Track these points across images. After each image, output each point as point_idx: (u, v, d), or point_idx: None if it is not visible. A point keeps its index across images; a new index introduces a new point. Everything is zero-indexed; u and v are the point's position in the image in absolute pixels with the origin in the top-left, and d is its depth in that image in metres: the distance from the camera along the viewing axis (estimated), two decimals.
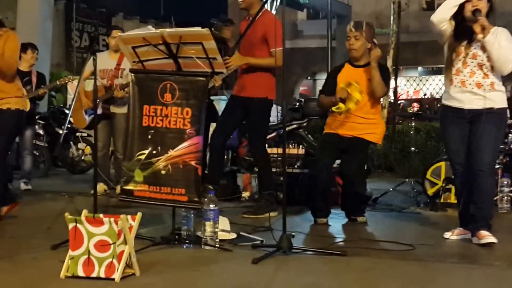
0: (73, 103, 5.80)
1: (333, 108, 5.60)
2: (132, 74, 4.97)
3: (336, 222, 5.91)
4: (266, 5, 6.02)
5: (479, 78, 4.85)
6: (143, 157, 4.79)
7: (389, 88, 5.69)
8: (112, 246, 3.66)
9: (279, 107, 7.20)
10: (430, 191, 6.77)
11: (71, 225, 3.73)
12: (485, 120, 4.79)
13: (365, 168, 6.56)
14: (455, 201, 6.49)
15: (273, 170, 6.80)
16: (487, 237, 4.78)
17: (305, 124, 9.39)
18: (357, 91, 5.48)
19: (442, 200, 6.56)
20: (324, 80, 6.43)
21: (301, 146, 8.09)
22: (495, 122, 4.85)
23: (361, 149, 5.84)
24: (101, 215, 3.74)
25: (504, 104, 4.94)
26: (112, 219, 3.68)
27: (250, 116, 6.10)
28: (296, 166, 7.07)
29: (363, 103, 5.64)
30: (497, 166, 6.63)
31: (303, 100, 14.06)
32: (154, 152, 4.76)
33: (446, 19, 4.85)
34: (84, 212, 3.79)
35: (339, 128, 5.78)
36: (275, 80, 6.05)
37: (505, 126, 5.33)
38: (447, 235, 5.03)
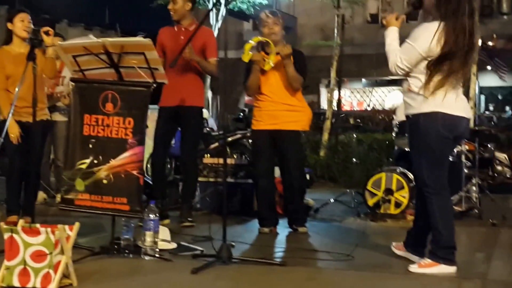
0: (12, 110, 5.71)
1: (265, 67, 5.61)
2: (74, 84, 4.95)
3: (281, 231, 5.92)
4: (211, 14, 6.07)
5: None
6: (84, 166, 4.78)
7: (306, 75, 5.70)
8: (48, 256, 3.63)
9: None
10: (370, 201, 6.84)
11: (6, 235, 3.69)
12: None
13: (303, 154, 6.51)
14: (395, 212, 6.65)
15: (215, 180, 6.85)
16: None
17: (249, 134, 9.43)
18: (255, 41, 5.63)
19: (382, 211, 6.66)
20: None
21: (243, 155, 8.12)
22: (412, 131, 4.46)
23: (292, 143, 5.85)
24: (38, 225, 3.72)
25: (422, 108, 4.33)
26: (49, 229, 3.65)
27: (188, 125, 6.14)
28: (238, 176, 7.09)
29: (281, 88, 5.73)
30: None
31: (247, 110, 14.14)
32: (95, 161, 4.76)
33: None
34: (21, 222, 3.76)
35: (265, 119, 5.81)
36: None
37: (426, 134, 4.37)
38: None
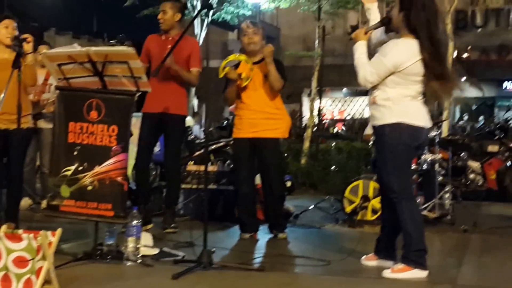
0: None
1: (241, 82, 5.64)
2: (59, 91, 4.93)
3: (261, 237, 5.92)
4: (195, 25, 6.08)
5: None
6: (69, 173, 4.76)
7: (286, 81, 5.73)
8: (30, 262, 3.59)
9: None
10: (348, 208, 6.85)
11: None
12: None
13: (283, 161, 6.51)
14: (371, 218, 6.65)
15: (198, 186, 6.83)
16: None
17: (231, 141, 9.41)
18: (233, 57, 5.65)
19: (359, 217, 6.68)
20: None
21: (226, 163, 8.11)
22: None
23: (272, 150, 5.84)
24: (20, 231, 3.68)
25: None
26: (31, 235, 3.61)
27: (171, 132, 6.13)
28: (221, 183, 7.07)
29: (259, 97, 5.74)
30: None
31: (231, 118, 14.11)
32: (80, 168, 4.74)
33: None
34: (3, 227, 3.72)
35: (245, 128, 5.82)
36: None
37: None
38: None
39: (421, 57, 4.23)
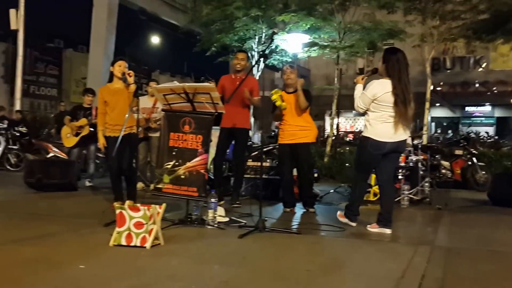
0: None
1: (280, 109, 5.60)
2: (164, 112, 5.01)
3: (298, 211, 5.88)
4: (254, 69, 6.04)
5: None
6: (169, 166, 4.81)
7: (310, 103, 5.71)
8: (145, 225, 3.66)
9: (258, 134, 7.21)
10: None
11: (118, 211, 3.73)
12: None
13: (312, 159, 6.41)
14: (373, 199, 6.55)
15: (255, 176, 6.83)
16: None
17: (277, 146, 9.39)
18: (276, 95, 5.53)
19: (364, 198, 6.56)
20: None
21: (274, 160, 8.11)
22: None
23: (305, 151, 5.78)
24: (138, 205, 3.74)
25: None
26: (146, 207, 3.68)
27: (239, 140, 6.12)
28: (270, 174, 7.08)
29: (295, 115, 5.68)
30: (400, 177, 6.70)
31: (276, 130, 14.10)
32: (177, 163, 4.78)
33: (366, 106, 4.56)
34: (127, 202, 3.80)
35: (286, 137, 5.77)
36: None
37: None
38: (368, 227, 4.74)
39: (392, 90, 4.41)
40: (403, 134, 4.51)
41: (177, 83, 4.87)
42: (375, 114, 4.50)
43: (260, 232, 4.31)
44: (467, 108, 25.52)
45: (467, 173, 9.17)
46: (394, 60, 4.45)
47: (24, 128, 11.58)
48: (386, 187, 4.69)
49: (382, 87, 4.44)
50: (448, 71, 23.34)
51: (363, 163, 4.70)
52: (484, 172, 9.12)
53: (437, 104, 23.13)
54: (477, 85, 22.78)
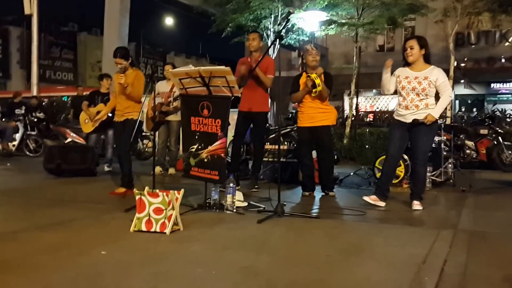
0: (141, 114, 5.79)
1: (312, 93, 5.54)
2: (181, 96, 5.04)
3: (317, 195, 5.91)
4: (270, 49, 6.00)
5: (417, 102, 4.87)
6: (193, 150, 4.87)
7: (332, 89, 5.68)
8: (164, 211, 3.72)
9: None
10: (378, 174, 6.74)
11: (137, 196, 3.79)
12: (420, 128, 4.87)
13: (332, 142, 6.40)
14: (394, 182, 6.52)
15: (273, 159, 6.85)
16: (416, 205, 4.89)
17: (295, 128, 9.39)
18: (315, 77, 5.48)
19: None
20: None
21: (292, 143, 8.12)
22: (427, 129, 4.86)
23: (325, 134, 5.78)
24: (157, 191, 3.79)
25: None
26: (164, 193, 3.74)
27: (257, 124, 6.13)
28: (288, 157, 7.09)
29: (316, 98, 5.63)
30: None
31: (294, 111, 14.05)
32: (199, 147, 4.83)
33: (391, 91, 5.06)
34: (146, 188, 3.85)
35: (305, 119, 5.77)
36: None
37: (435, 133, 5.24)
38: (365, 198, 5.10)
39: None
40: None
41: (192, 67, 4.89)
42: (397, 100, 5.03)
43: (279, 217, 4.35)
44: (492, 85, 24.94)
45: (493, 153, 9.06)
46: (427, 46, 4.93)
47: (41, 114, 11.77)
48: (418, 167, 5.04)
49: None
50: (473, 46, 22.82)
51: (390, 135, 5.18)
52: (510, 152, 9.01)
53: (461, 81, 22.72)
54: (503, 60, 22.28)
